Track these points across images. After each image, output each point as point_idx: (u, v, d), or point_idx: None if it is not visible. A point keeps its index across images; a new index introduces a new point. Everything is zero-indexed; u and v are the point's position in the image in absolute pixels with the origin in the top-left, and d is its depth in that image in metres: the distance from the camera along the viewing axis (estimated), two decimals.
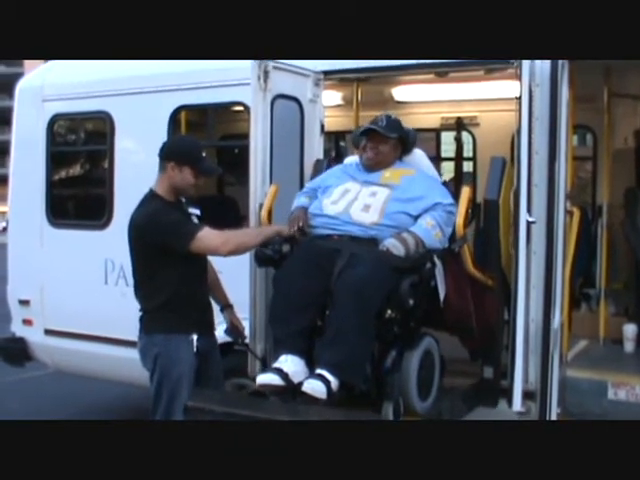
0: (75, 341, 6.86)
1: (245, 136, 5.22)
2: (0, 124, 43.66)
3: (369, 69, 5.46)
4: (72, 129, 7.60)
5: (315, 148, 5.59)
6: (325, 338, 4.11)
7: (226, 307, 4.88)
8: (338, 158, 7.53)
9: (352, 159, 4.98)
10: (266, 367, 4.45)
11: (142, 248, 4.45)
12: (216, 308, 4.83)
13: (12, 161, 7.46)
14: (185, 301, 4.45)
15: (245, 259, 4.76)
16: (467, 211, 4.49)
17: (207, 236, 4.35)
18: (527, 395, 4.53)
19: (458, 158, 8.25)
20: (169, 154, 4.50)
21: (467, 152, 8.07)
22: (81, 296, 6.80)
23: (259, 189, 5.02)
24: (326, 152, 6.23)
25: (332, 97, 6.56)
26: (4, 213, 7.72)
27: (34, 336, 7.18)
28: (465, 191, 4.55)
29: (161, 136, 5.88)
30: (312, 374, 4.01)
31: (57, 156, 7.35)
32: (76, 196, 7.94)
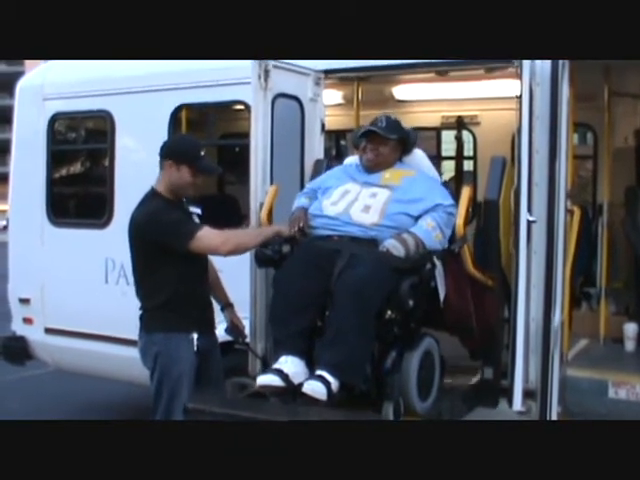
0: (75, 340, 6.87)
1: (246, 135, 5.22)
2: (1, 123, 43.75)
3: (370, 68, 5.46)
4: (73, 128, 7.61)
5: (316, 147, 5.59)
6: (325, 339, 4.10)
7: (226, 306, 4.88)
8: (339, 157, 7.54)
9: (352, 160, 4.97)
10: (266, 366, 4.45)
11: (142, 247, 4.45)
12: (216, 307, 4.83)
13: (13, 160, 7.46)
14: (185, 300, 4.45)
15: (245, 258, 4.76)
16: (467, 212, 4.49)
17: (207, 236, 4.35)
18: (527, 394, 4.53)
19: (458, 157, 8.24)
20: (167, 152, 4.51)
21: (467, 151, 8.06)
22: (81, 295, 6.80)
23: (259, 188, 5.02)
24: (327, 151, 6.24)
25: (333, 96, 6.55)
26: (5, 212, 7.71)
27: (34, 335, 7.19)
28: (465, 192, 4.55)
29: (162, 135, 5.89)
30: (312, 375, 4.01)
31: (58, 155, 7.36)
32: (77, 195, 7.95)
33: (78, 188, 8.01)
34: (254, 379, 4.72)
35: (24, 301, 7.21)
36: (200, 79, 6.14)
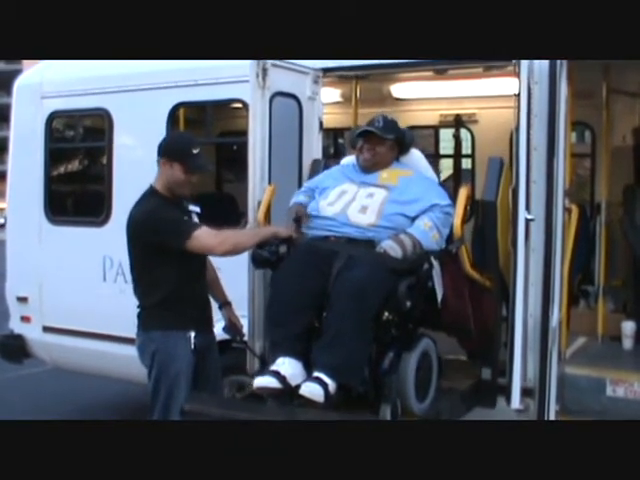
0: (73, 338, 6.86)
1: (244, 133, 5.21)
2: None
3: (368, 66, 5.46)
4: (70, 126, 7.61)
5: (314, 145, 5.59)
6: (322, 340, 4.09)
7: (224, 305, 4.88)
8: (337, 155, 7.54)
9: (349, 159, 4.97)
10: (264, 364, 4.44)
11: (140, 245, 4.45)
12: (214, 305, 4.82)
13: (10, 158, 7.45)
14: (183, 298, 4.45)
15: (244, 257, 4.75)
16: (465, 212, 4.48)
17: (203, 235, 4.34)
18: (526, 392, 4.53)
19: (457, 155, 8.25)
20: (162, 150, 4.51)
21: (466, 149, 8.06)
22: (79, 293, 6.80)
23: (258, 186, 5.01)
24: (325, 149, 6.24)
25: (331, 94, 6.55)
26: (2, 210, 7.72)
27: (32, 333, 7.18)
28: (462, 192, 4.55)
29: (160, 133, 5.85)
30: (310, 377, 4.00)
31: (55, 153, 7.36)
32: (74, 193, 7.96)
33: (76, 186, 8.02)
34: (252, 377, 4.73)
35: (22, 299, 7.20)
36: (198, 77, 6.13)
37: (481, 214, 4.82)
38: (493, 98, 6.90)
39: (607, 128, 6.24)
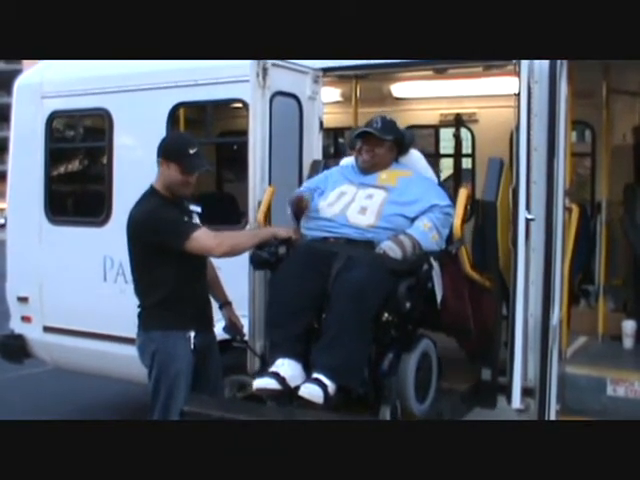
0: (74, 338, 6.85)
1: (244, 133, 5.21)
2: None
3: (368, 66, 5.46)
4: (71, 126, 7.60)
5: (314, 145, 5.59)
6: (322, 342, 4.08)
7: (225, 304, 4.88)
8: (337, 155, 7.54)
9: (348, 160, 4.96)
10: (265, 364, 4.43)
11: (139, 244, 4.45)
12: (215, 305, 4.82)
13: (11, 158, 7.45)
14: (183, 298, 4.45)
15: (244, 256, 4.75)
16: (465, 213, 4.48)
17: (202, 236, 4.34)
18: (526, 392, 4.52)
19: (457, 155, 8.25)
20: (160, 150, 4.51)
21: (466, 149, 8.06)
22: (80, 293, 6.79)
23: (258, 186, 5.01)
24: (325, 149, 6.23)
25: (331, 94, 6.55)
26: (3, 210, 7.72)
27: (33, 333, 7.18)
28: (462, 193, 4.54)
29: (160, 133, 5.85)
30: (309, 378, 3.99)
31: (56, 153, 7.35)
32: (75, 193, 7.95)
33: (76, 186, 8.02)
34: (253, 377, 4.73)
35: (22, 299, 7.20)
36: (198, 77, 6.13)
37: (481, 214, 4.82)
38: (493, 97, 6.90)
39: (607, 127, 6.24)
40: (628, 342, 5.73)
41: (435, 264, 4.35)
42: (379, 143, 4.67)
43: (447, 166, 9.26)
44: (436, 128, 8.35)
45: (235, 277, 4.88)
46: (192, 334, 4.44)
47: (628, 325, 5.75)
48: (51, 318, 7.03)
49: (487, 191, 4.65)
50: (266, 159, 5.07)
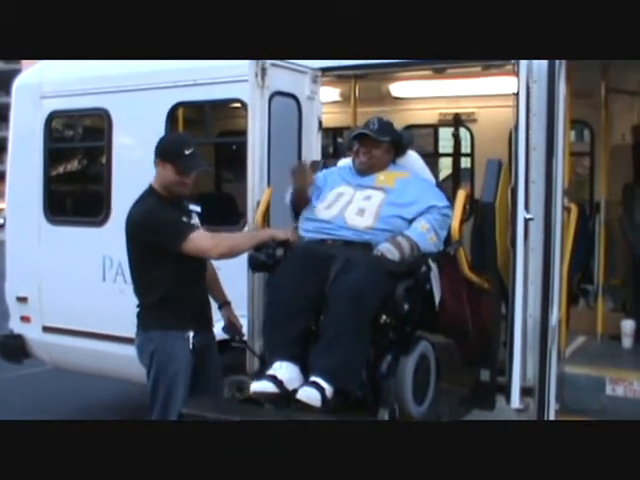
0: (73, 338, 6.85)
1: (243, 133, 5.22)
2: None
3: (367, 66, 5.45)
4: (70, 126, 7.60)
5: (313, 145, 5.59)
6: (319, 344, 4.07)
7: (224, 304, 4.88)
8: (336, 155, 7.54)
9: (346, 161, 4.95)
10: (264, 365, 4.43)
11: (138, 244, 4.45)
12: (214, 305, 4.82)
13: (10, 158, 7.44)
14: (182, 298, 4.44)
15: (244, 257, 4.75)
16: (463, 214, 4.47)
17: (199, 238, 4.34)
18: (525, 392, 4.51)
19: (456, 154, 8.25)
20: (156, 151, 4.52)
21: (465, 148, 8.06)
22: (79, 293, 6.79)
23: (257, 186, 5.01)
24: (324, 149, 6.23)
25: (330, 93, 6.55)
26: (2, 210, 7.71)
27: (32, 333, 7.18)
28: (460, 194, 4.54)
29: (159, 133, 5.87)
30: (307, 381, 3.98)
31: (55, 153, 7.35)
32: (74, 193, 7.95)
33: (75, 186, 8.02)
34: (251, 378, 4.73)
35: (21, 299, 7.20)
36: (197, 77, 6.13)
37: (480, 216, 4.82)
38: (492, 97, 6.90)
39: (606, 127, 6.24)
40: (627, 342, 5.74)
41: (433, 265, 4.34)
42: (376, 145, 4.66)
43: (446, 165, 9.26)
44: (435, 128, 8.35)
45: (234, 277, 4.87)
46: (191, 334, 4.44)
47: (627, 325, 5.76)
48: (50, 318, 7.02)
49: (486, 192, 4.65)
50: (265, 159, 5.07)
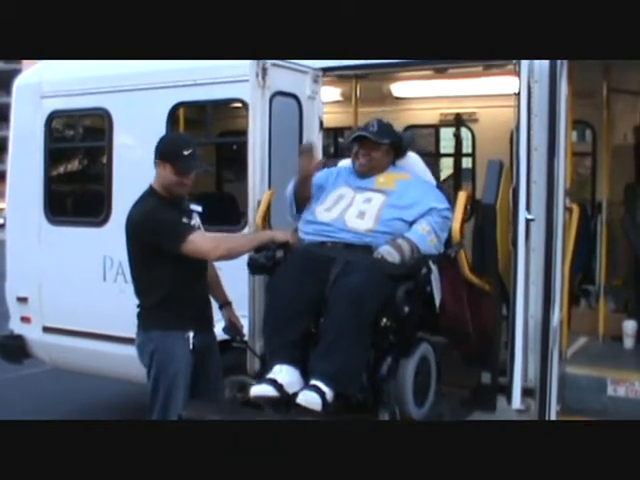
0: (73, 338, 6.84)
1: (244, 133, 5.21)
2: None
3: (368, 66, 5.44)
4: (70, 126, 7.59)
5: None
6: (319, 348, 4.05)
7: (225, 304, 4.87)
8: (337, 155, 7.54)
9: (347, 162, 4.92)
10: (265, 366, 4.42)
11: (138, 245, 4.44)
12: (215, 305, 4.81)
13: (10, 158, 7.43)
14: (182, 298, 4.44)
15: (245, 257, 4.74)
16: (464, 217, 4.46)
17: (198, 239, 4.33)
18: (526, 392, 4.51)
19: (457, 154, 8.25)
20: (156, 151, 4.51)
21: (466, 148, 8.06)
22: (79, 293, 6.78)
23: (258, 186, 5.01)
24: (325, 148, 6.22)
25: (331, 93, 6.54)
26: (2, 210, 7.70)
27: (32, 333, 7.16)
28: (461, 196, 4.53)
29: (159, 133, 5.83)
30: (307, 385, 3.96)
31: (55, 153, 7.34)
32: (74, 193, 7.94)
33: (76, 186, 8.01)
34: (253, 378, 4.72)
35: (22, 300, 7.18)
36: (198, 77, 6.11)
37: (481, 217, 4.81)
38: (493, 97, 6.89)
39: (608, 127, 6.24)
40: (629, 342, 5.73)
41: (434, 268, 4.32)
42: (376, 147, 4.64)
43: (447, 166, 9.26)
44: (436, 128, 8.35)
45: (235, 277, 4.86)
46: (191, 334, 4.43)
47: (629, 325, 5.75)
48: (50, 318, 7.01)
49: (487, 194, 4.64)
50: (266, 159, 5.06)
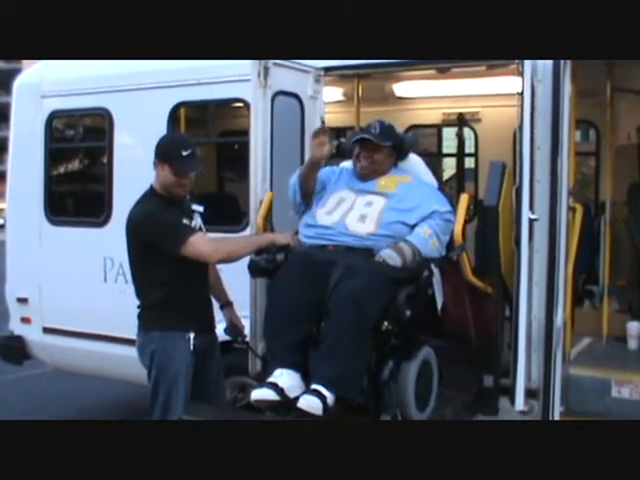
0: (74, 339, 6.84)
1: (245, 133, 5.20)
2: None
3: (370, 65, 5.43)
4: (71, 126, 7.57)
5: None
6: (320, 351, 4.04)
7: (226, 305, 4.85)
8: (338, 155, 7.51)
9: (348, 163, 4.89)
10: (266, 365, 4.40)
11: (138, 245, 4.43)
12: (216, 306, 4.79)
13: (10, 158, 7.43)
14: (182, 299, 4.43)
15: (246, 257, 4.72)
16: (465, 220, 4.44)
17: (198, 242, 4.31)
18: (530, 393, 4.50)
19: (460, 154, 8.22)
20: (155, 151, 4.49)
21: (469, 148, 8.03)
22: (80, 294, 6.77)
23: (259, 186, 5.00)
24: None
25: (333, 93, 6.53)
26: (2, 210, 7.69)
27: (32, 334, 7.16)
28: (463, 198, 4.51)
29: (160, 133, 5.81)
30: (308, 389, 3.94)
31: (55, 153, 7.33)
32: (75, 193, 7.94)
33: (76, 186, 8.00)
34: (254, 379, 4.70)
35: (22, 300, 7.18)
36: (199, 76, 6.10)
37: (483, 219, 4.79)
38: (496, 97, 6.87)
39: (611, 126, 6.23)
40: (633, 343, 5.72)
41: (436, 271, 4.30)
42: (377, 149, 4.61)
43: (450, 165, 9.22)
44: (439, 127, 8.32)
45: (237, 277, 4.84)
46: (192, 335, 4.42)
47: (633, 326, 5.74)
48: (51, 319, 7.01)
49: (489, 195, 4.62)
50: (267, 159, 5.05)
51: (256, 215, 4.94)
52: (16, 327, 7.28)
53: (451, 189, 7.98)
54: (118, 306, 6.11)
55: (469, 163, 8.11)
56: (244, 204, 5.54)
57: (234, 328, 4.82)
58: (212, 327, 4.69)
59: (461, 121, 7.72)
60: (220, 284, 4.87)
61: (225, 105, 7.11)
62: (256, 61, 4.96)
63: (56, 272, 6.95)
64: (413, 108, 7.59)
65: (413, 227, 4.39)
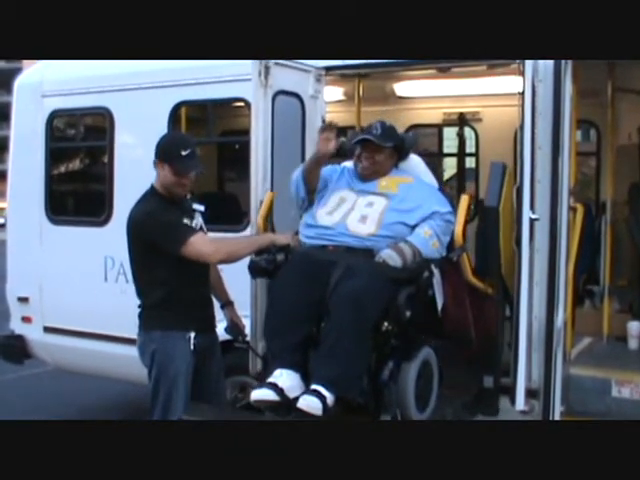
0: (74, 339, 6.84)
1: (246, 132, 5.20)
2: None
3: (371, 65, 5.43)
4: (71, 125, 7.57)
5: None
6: (320, 352, 4.04)
7: (227, 304, 4.85)
8: (339, 154, 7.50)
9: (350, 163, 4.89)
10: (267, 365, 4.40)
11: (139, 244, 4.43)
12: (217, 305, 4.79)
13: (11, 157, 7.43)
14: (183, 298, 4.43)
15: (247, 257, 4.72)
16: (466, 220, 4.44)
17: (198, 242, 4.31)
18: (530, 393, 4.49)
19: (460, 154, 8.21)
20: (155, 151, 4.49)
21: (470, 148, 8.02)
22: (80, 293, 6.78)
23: (260, 185, 4.99)
24: None
25: (333, 93, 6.52)
26: (3, 210, 7.68)
27: (33, 333, 7.17)
28: (463, 199, 4.51)
29: (161, 132, 5.80)
30: (307, 390, 3.94)
31: (56, 152, 7.33)
32: (75, 193, 7.94)
33: (77, 186, 8.01)
34: (254, 378, 4.70)
35: (23, 300, 7.19)
36: (200, 76, 6.10)
37: (484, 220, 4.79)
38: (497, 96, 6.86)
39: (612, 126, 6.23)
40: (633, 343, 5.72)
41: (436, 271, 4.30)
42: (379, 150, 4.60)
43: (450, 165, 9.22)
44: (439, 127, 8.31)
45: (237, 277, 4.84)
46: (192, 335, 4.42)
47: (633, 326, 5.74)
48: (51, 318, 7.01)
49: (489, 196, 4.62)
50: (268, 158, 5.05)
51: (256, 215, 4.94)
52: (17, 326, 7.29)
53: (452, 189, 7.98)
54: (119, 305, 6.12)
55: (470, 163, 8.11)
56: (245, 204, 5.54)
57: (235, 327, 4.82)
58: (213, 327, 4.69)
59: (462, 121, 7.71)
60: (221, 283, 4.87)
61: (226, 105, 7.10)
62: (257, 61, 4.96)
63: (57, 271, 6.95)
64: (414, 108, 7.59)
65: (414, 228, 4.39)
